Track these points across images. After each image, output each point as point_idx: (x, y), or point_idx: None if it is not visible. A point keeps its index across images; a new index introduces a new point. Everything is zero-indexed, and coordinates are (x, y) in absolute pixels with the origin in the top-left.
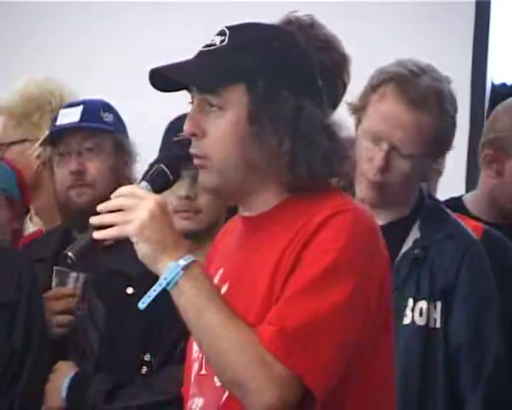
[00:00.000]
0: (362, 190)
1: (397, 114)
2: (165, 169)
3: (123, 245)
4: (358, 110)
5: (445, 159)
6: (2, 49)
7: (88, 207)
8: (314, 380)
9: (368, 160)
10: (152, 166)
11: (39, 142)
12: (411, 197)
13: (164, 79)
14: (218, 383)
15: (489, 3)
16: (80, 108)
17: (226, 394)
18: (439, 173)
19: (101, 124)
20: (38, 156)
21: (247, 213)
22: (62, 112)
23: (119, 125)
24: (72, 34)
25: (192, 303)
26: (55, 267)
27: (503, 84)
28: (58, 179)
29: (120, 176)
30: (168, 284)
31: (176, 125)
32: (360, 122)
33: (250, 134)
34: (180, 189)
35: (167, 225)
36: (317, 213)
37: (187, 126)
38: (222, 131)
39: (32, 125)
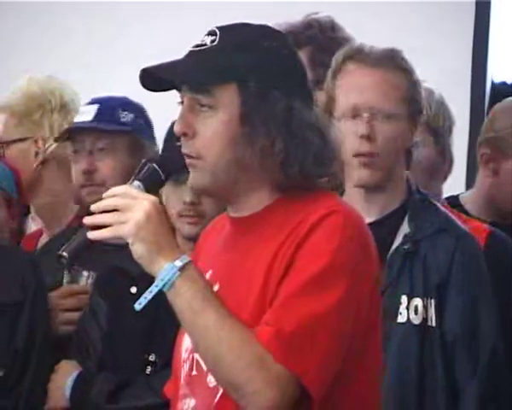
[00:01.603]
0: (358, 173)
1: (364, 80)
2: (158, 168)
3: (127, 244)
4: (326, 104)
5: (451, 166)
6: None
7: None
8: (311, 380)
9: (354, 136)
10: (144, 165)
11: (55, 137)
12: (400, 187)
13: (154, 79)
14: (211, 384)
15: (489, 3)
16: (95, 106)
17: (219, 394)
18: (444, 176)
19: (114, 124)
20: (37, 155)
21: (236, 214)
22: (80, 109)
23: (139, 124)
24: (70, 33)
25: (188, 304)
26: None
27: (503, 83)
28: (73, 177)
29: None
30: (164, 286)
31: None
32: (332, 116)
33: (242, 134)
34: (184, 194)
35: (162, 225)
36: (309, 215)
37: (177, 127)
38: (213, 131)
39: (32, 123)
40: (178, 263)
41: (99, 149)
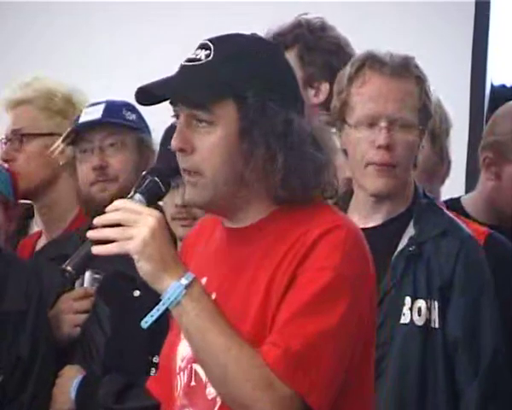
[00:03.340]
0: (373, 182)
1: (383, 88)
2: (159, 181)
3: None
4: (340, 109)
5: (449, 169)
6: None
7: (112, 202)
8: (317, 399)
9: (370, 145)
10: (144, 177)
11: (61, 138)
12: (408, 191)
13: (148, 94)
14: (210, 396)
15: (489, 3)
16: (102, 105)
17: (218, 405)
18: (443, 179)
19: (123, 121)
20: (62, 153)
21: (231, 225)
22: (85, 111)
23: (142, 125)
24: (70, 33)
25: (194, 323)
26: None
27: (503, 86)
28: (80, 177)
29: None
30: (171, 304)
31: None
32: (345, 121)
33: (241, 150)
34: (176, 197)
35: (167, 241)
36: (310, 230)
37: (175, 142)
38: (212, 147)
39: (66, 121)
40: (184, 281)
41: (109, 145)
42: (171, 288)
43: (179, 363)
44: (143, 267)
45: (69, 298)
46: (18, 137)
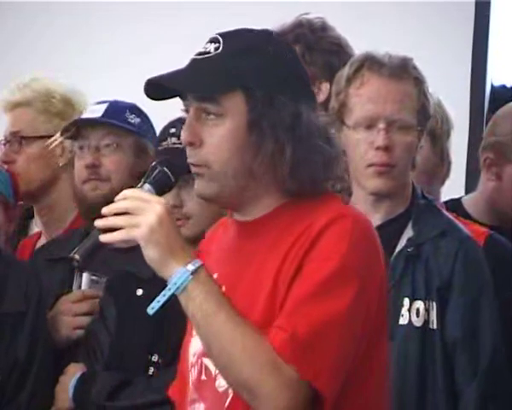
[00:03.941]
0: (373, 182)
1: (381, 89)
2: (168, 172)
3: (136, 246)
4: (338, 110)
5: (450, 169)
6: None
7: (103, 201)
8: (324, 384)
9: (369, 146)
10: (153, 168)
11: (61, 130)
12: (406, 192)
13: (157, 88)
14: (220, 389)
15: (489, 3)
16: (105, 105)
17: (229, 398)
18: (443, 180)
19: (123, 123)
20: (62, 151)
21: (241, 218)
22: (89, 108)
23: (145, 129)
24: (70, 33)
25: (201, 308)
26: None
27: (503, 86)
28: (75, 173)
29: (138, 178)
30: (177, 289)
31: (167, 131)
32: (343, 123)
33: (249, 142)
34: (166, 197)
35: (174, 229)
36: (317, 219)
37: (184, 135)
38: (220, 140)
39: (64, 122)
40: (191, 267)
41: (105, 145)
42: (178, 273)
43: (191, 359)
44: (150, 254)
45: (68, 300)
46: (17, 139)
